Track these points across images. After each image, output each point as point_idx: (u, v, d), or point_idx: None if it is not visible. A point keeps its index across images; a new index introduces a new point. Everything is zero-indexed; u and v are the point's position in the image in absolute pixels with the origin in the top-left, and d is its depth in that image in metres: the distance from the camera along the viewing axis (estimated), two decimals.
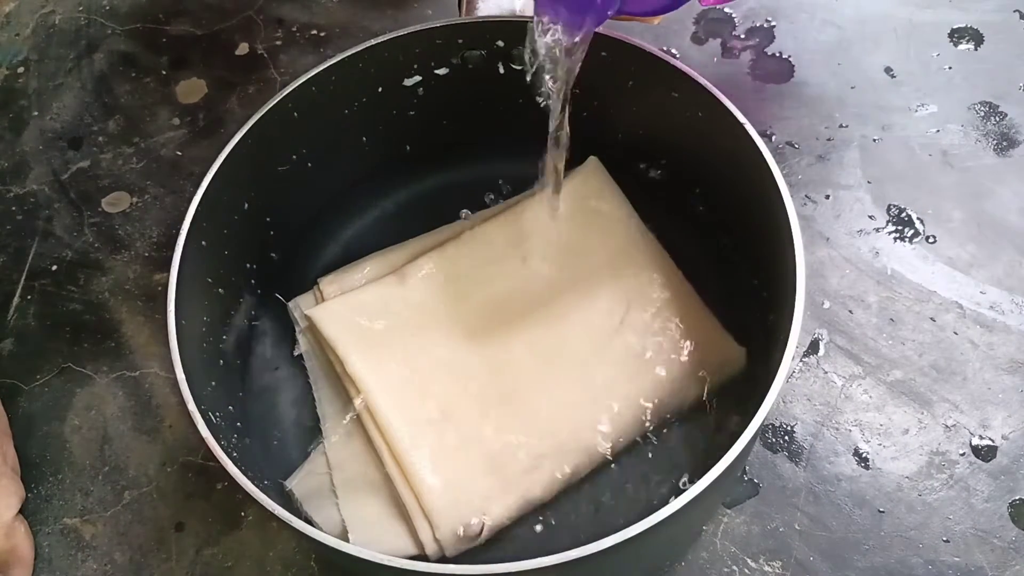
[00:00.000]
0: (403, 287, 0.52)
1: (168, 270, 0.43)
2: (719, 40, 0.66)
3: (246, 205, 0.50)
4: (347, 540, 0.45)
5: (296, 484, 0.48)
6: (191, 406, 0.40)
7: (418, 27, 0.50)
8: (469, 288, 0.52)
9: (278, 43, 0.69)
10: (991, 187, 0.59)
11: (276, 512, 0.37)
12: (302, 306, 0.53)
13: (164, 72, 0.69)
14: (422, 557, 0.45)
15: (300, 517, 0.38)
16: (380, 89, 0.52)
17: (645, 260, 0.52)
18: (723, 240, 0.53)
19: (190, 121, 0.66)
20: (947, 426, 0.51)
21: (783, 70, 0.64)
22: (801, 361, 0.53)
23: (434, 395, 0.49)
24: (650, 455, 0.49)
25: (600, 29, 0.49)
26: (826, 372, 0.53)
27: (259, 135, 0.48)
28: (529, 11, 0.52)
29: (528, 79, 0.44)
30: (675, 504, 0.35)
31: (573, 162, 0.55)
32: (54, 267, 0.60)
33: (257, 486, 0.38)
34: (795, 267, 0.41)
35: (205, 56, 0.69)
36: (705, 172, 0.52)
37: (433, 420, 0.48)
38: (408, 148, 0.57)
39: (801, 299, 0.40)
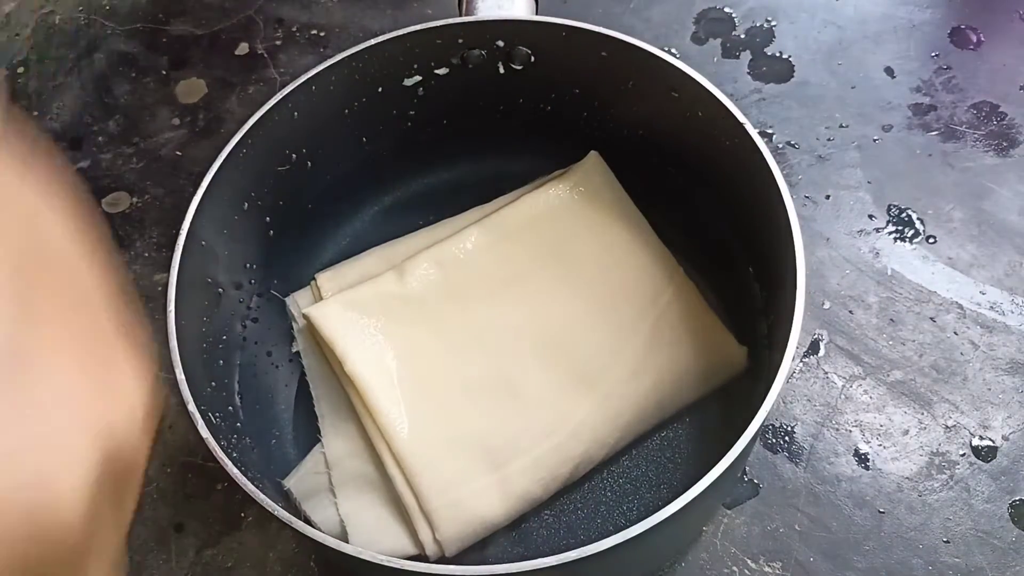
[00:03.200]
0: (401, 284, 0.51)
1: (168, 270, 0.43)
2: (719, 40, 0.66)
3: (246, 205, 0.50)
4: (346, 539, 0.45)
5: (294, 483, 0.48)
6: (191, 407, 0.40)
7: (418, 27, 0.50)
8: (468, 285, 0.52)
9: (278, 43, 0.69)
10: (991, 187, 0.59)
11: (276, 513, 0.37)
12: (300, 303, 0.53)
13: (164, 72, 0.69)
14: (422, 557, 0.45)
15: (299, 517, 0.38)
16: (380, 89, 0.52)
17: (646, 257, 0.52)
18: (723, 240, 0.53)
19: (190, 121, 0.66)
20: (947, 427, 0.51)
21: (783, 70, 0.64)
22: (801, 361, 0.53)
23: (433, 394, 0.48)
24: (650, 455, 0.49)
25: (600, 29, 0.49)
26: (826, 372, 0.53)
27: (259, 135, 0.48)
28: (529, 11, 0.52)
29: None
30: (675, 504, 0.35)
31: (574, 159, 0.55)
32: None
33: (257, 486, 0.38)
34: (795, 267, 0.41)
35: (205, 56, 0.69)
36: (705, 172, 0.52)
37: (432, 420, 0.48)
38: (408, 147, 0.57)
39: (801, 299, 0.40)
